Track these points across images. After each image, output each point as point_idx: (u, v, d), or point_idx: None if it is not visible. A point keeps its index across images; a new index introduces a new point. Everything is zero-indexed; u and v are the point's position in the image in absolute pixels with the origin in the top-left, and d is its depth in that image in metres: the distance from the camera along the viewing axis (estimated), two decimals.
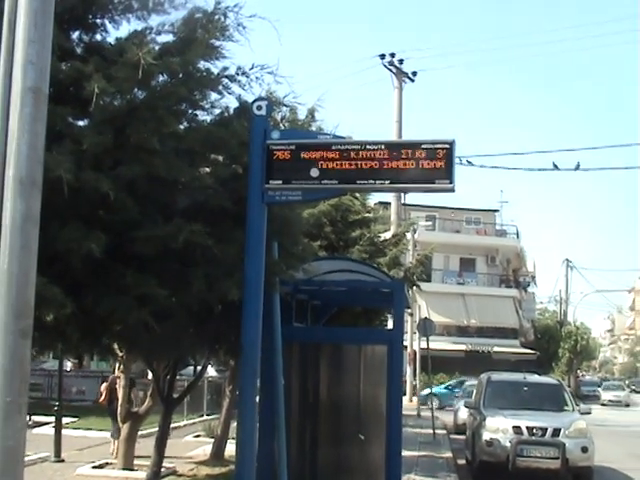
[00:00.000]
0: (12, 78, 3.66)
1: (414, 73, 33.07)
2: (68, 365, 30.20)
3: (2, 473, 3.53)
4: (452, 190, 6.64)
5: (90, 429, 20.68)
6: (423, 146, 6.63)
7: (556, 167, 26.74)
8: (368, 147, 6.73)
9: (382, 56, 32.48)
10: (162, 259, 6.47)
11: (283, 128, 7.97)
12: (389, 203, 31.31)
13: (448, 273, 58.67)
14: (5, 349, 3.57)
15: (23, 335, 3.59)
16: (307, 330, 11.01)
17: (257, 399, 7.09)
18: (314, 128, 10.88)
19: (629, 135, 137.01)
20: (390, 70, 32.66)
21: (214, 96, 7.08)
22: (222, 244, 6.60)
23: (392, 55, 32.59)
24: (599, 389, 64.15)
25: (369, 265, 12.64)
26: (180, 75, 6.62)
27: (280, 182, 6.92)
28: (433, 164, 6.57)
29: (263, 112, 7.01)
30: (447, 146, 6.61)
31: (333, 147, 6.80)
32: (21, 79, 3.66)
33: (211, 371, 27.13)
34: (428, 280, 36.72)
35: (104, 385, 16.96)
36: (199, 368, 17.74)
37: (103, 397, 16.46)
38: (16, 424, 3.56)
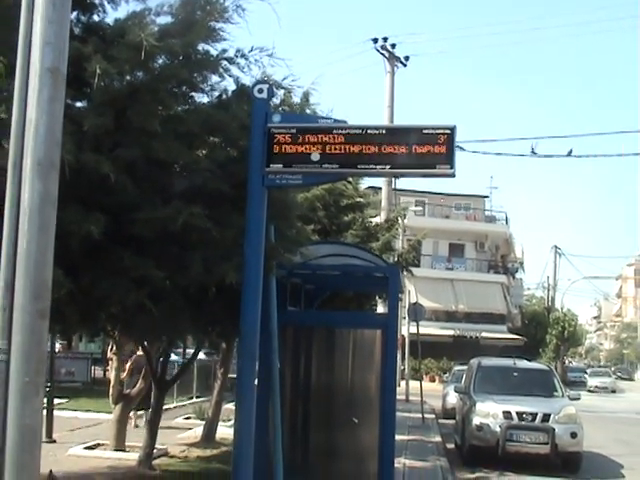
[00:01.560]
0: (30, 59, 3.65)
1: (406, 58, 32.90)
2: (57, 346, 30.16)
3: (21, 451, 3.54)
4: (453, 175, 6.65)
5: (80, 410, 20.69)
6: (424, 131, 6.65)
7: (548, 154, 26.75)
8: (369, 132, 6.74)
9: (375, 40, 32.28)
10: (160, 242, 6.47)
11: (283, 112, 7.94)
12: (380, 188, 31.21)
13: (437, 258, 58.78)
14: (23, 330, 3.58)
15: (41, 316, 3.60)
16: (302, 314, 11.03)
17: (256, 382, 7.11)
18: (309, 112, 10.84)
19: (624, 122, 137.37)
20: (382, 54, 32.47)
21: (214, 78, 7.07)
22: (220, 227, 6.59)
23: (385, 39, 32.39)
24: (586, 375, 64.61)
25: (365, 250, 12.64)
26: (180, 57, 6.60)
27: (281, 166, 6.92)
28: (434, 149, 6.58)
29: (264, 95, 6.99)
30: (448, 131, 6.63)
31: (334, 131, 6.80)
32: (39, 60, 3.65)
33: (200, 354, 27.10)
34: (417, 265, 36.73)
35: (127, 365, 17.06)
36: (189, 351, 17.80)
37: (126, 374, 16.50)
38: (34, 404, 3.59)
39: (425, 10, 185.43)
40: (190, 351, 18.27)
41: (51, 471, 8.37)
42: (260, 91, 7.00)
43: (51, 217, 3.68)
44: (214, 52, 6.99)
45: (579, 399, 18.47)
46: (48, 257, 3.71)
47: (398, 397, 13.11)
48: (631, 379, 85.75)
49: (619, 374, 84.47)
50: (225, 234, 6.68)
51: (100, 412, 19.25)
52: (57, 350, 26.11)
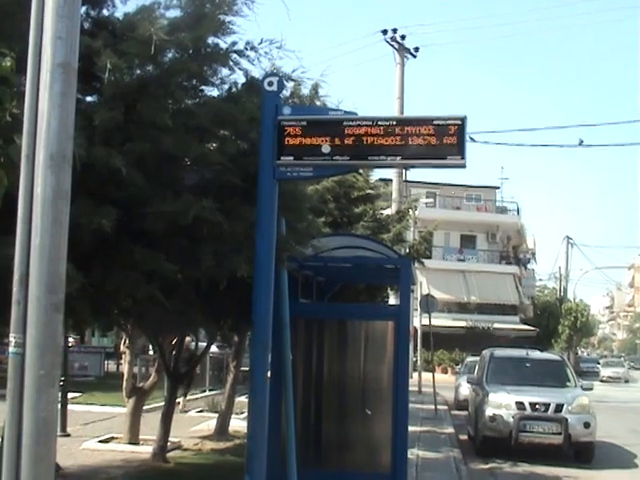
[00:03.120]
0: (41, 54, 3.66)
1: (416, 49, 32.83)
2: (70, 341, 30.28)
3: (36, 443, 3.57)
4: (463, 166, 6.63)
5: (94, 404, 20.80)
6: (435, 122, 6.63)
7: (559, 144, 26.64)
8: (380, 123, 6.72)
9: (384, 32, 32.23)
10: (170, 235, 6.47)
11: (292, 104, 7.93)
12: (390, 180, 31.15)
13: (448, 250, 58.70)
14: (38, 323, 3.60)
15: (56, 309, 3.62)
16: (314, 306, 11.04)
17: (268, 374, 7.13)
18: (318, 104, 10.84)
19: (633, 112, 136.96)
20: (392, 46, 32.40)
21: (224, 72, 7.06)
22: (231, 220, 6.60)
23: (394, 31, 32.32)
24: (598, 366, 64.47)
25: (376, 241, 12.64)
26: (190, 51, 6.60)
27: (291, 158, 6.91)
28: (445, 140, 6.56)
29: (274, 88, 6.99)
30: (459, 122, 6.60)
31: (344, 123, 6.79)
32: (50, 55, 3.66)
33: (212, 347, 27.22)
34: (429, 257, 36.70)
35: None
36: (200, 344, 17.96)
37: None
38: (49, 397, 3.61)
39: (434, 1, 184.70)
40: (202, 344, 18.41)
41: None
42: (270, 84, 7.00)
43: (64, 211, 3.69)
44: (224, 45, 6.98)
45: (592, 389, 18.46)
46: (62, 250, 3.73)
47: (410, 389, 13.14)
48: None
49: (631, 364, 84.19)
50: (236, 227, 6.68)
51: (114, 406, 19.37)
52: (69, 344, 26.25)
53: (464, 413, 21.97)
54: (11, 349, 3.80)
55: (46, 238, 3.65)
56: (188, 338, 17.19)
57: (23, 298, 3.70)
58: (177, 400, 19.55)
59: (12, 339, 3.79)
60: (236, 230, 6.68)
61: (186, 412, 20.07)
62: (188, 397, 22.60)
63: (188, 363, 15.15)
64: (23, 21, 3.92)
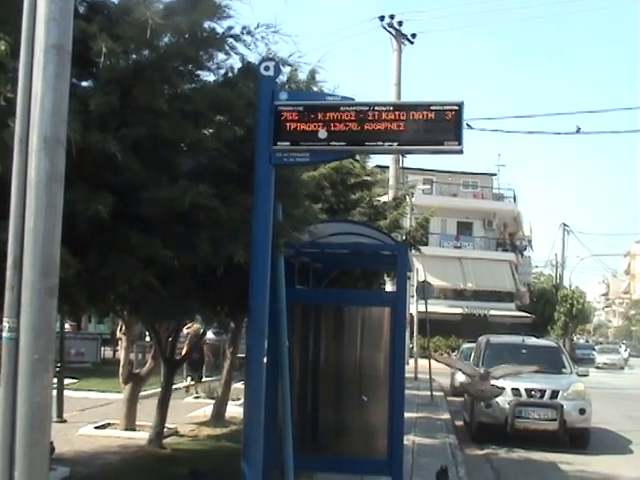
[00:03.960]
0: (35, 36, 3.63)
1: (413, 35, 32.73)
2: (66, 327, 30.25)
3: (31, 428, 3.56)
4: (460, 152, 6.60)
5: (90, 390, 20.82)
6: (432, 107, 6.59)
7: (556, 132, 26.62)
8: (376, 108, 6.67)
9: (381, 18, 32.14)
10: (167, 221, 6.44)
11: (289, 89, 7.89)
12: (387, 166, 31.13)
13: (445, 237, 58.73)
14: (32, 307, 3.58)
15: (50, 293, 3.61)
16: (310, 292, 11.03)
17: (265, 360, 7.11)
18: (315, 89, 10.80)
19: (631, 98, 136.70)
20: (389, 32, 32.31)
21: (220, 56, 7.02)
22: (228, 206, 6.57)
23: (391, 17, 32.25)
24: (594, 352, 64.68)
25: (373, 228, 12.62)
26: (186, 35, 6.56)
27: (288, 144, 6.86)
28: (442, 126, 6.53)
29: (271, 73, 6.94)
30: (456, 107, 6.56)
31: (341, 108, 6.74)
32: (44, 36, 3.63)
33: (209, 334, 27.28)
34: (425, 243, 36.66)
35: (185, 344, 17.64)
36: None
37: (185, 352, 16.85)
38: (43, 381, 3.60)
39: None
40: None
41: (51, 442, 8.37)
42: (266, 69, 6.96)
43: (58, 194, 3.67)
44: (220, 29, 6.92)
45: (587, 375, 18.57)
46: (56, 234, 3.72)
47: (407, 375, 13.16)
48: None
49: (628, 351, 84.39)
50: (233, 213, 6.65)
51: (110, 392, 19.40)
52: (66, 331, 26.24)
53: (460, 399, 22.02)
54: (5, 334, 3.78)
55: (40, 221, 3.62)
56: (197, 325, 17.43)
57: (17, 282, 3.68)
58: (186, 384, 20.05)
59: (6, 324, 3.78)
60: (233, 216, 6.65)
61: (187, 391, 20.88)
62: (185, 383, 22.70)
63: (197, 349, 15.29)
64: (19, 5, 3.88)
